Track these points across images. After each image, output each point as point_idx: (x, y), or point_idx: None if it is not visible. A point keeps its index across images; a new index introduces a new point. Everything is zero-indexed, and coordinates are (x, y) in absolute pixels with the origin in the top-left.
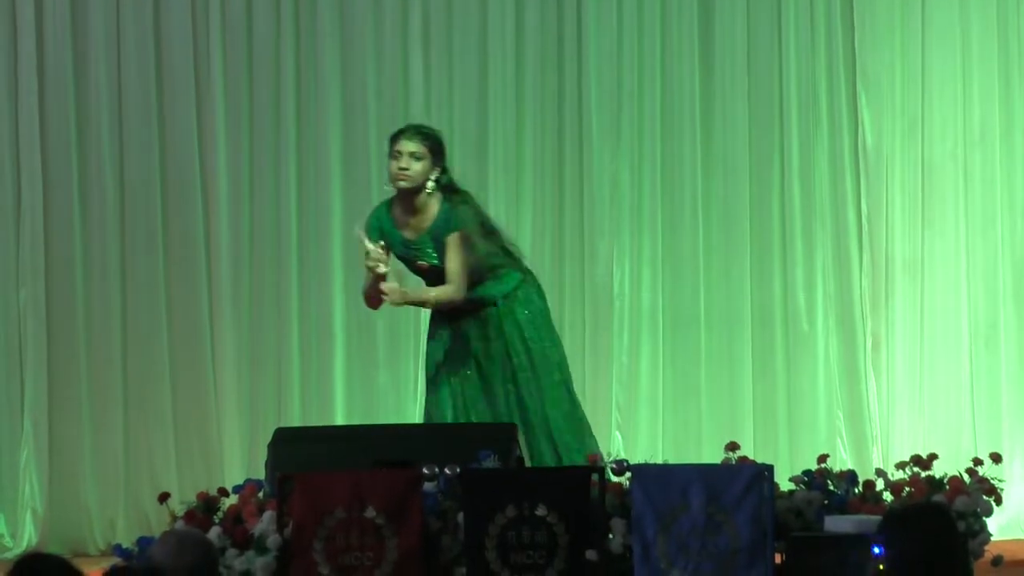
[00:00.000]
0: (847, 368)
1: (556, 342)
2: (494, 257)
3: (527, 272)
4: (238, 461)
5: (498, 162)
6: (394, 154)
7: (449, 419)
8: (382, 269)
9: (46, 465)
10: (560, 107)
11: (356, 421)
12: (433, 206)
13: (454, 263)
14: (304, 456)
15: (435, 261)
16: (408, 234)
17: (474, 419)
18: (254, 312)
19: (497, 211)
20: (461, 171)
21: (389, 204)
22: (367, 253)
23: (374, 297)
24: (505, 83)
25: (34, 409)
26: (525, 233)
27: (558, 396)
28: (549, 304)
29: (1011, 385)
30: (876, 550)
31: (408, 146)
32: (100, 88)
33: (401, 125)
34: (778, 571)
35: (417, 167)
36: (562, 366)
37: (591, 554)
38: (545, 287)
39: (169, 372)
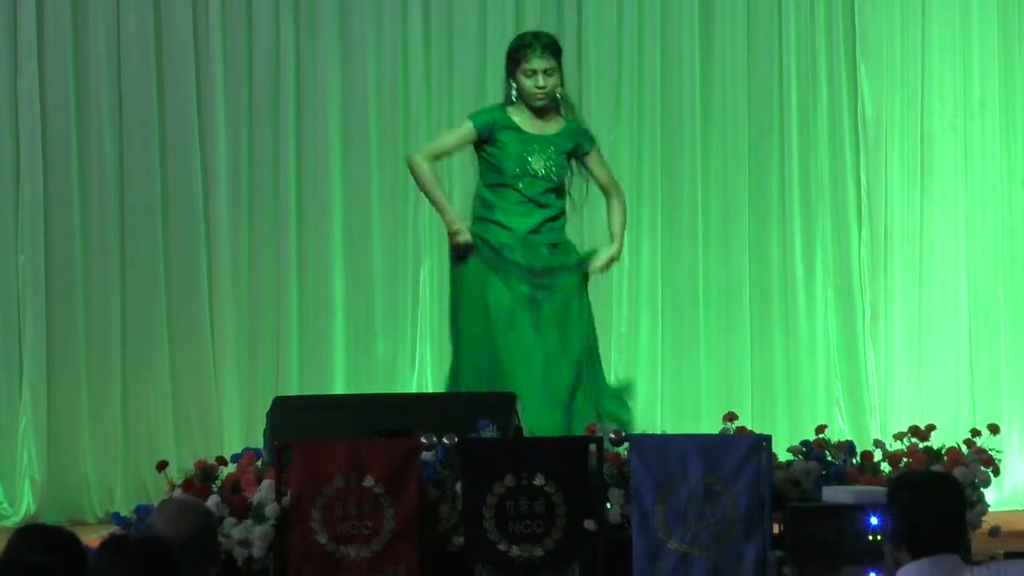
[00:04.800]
0: (846, 339)
1: None
2: None
3: None
4: (236, 430)
5: None
6: (527, 72)
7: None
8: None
9: (44, 433)
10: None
11: (354, 390)
12: (557, 116)
13: (606, 172)
14: (302, 425)
15: (551, 165)
16: (531, 130)
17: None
18: (253, 280)
19: None
20: None
21: (503, 106)
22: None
23: None
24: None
25: (32, 377)
26: None
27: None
28: None
29: (1009, 356)
30: (874, 520)
31: (542, 64)
32: (100, 56)
33: (399, 94)
34: (776, 541)
35: (551, 81)
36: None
37: (589, 524)
38: None
39: (168, 340)
